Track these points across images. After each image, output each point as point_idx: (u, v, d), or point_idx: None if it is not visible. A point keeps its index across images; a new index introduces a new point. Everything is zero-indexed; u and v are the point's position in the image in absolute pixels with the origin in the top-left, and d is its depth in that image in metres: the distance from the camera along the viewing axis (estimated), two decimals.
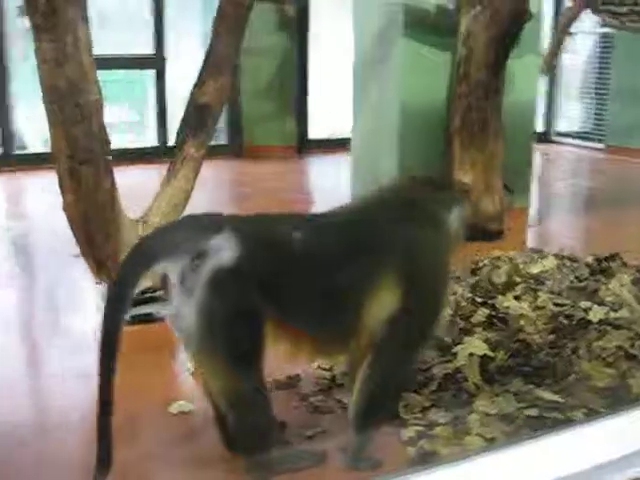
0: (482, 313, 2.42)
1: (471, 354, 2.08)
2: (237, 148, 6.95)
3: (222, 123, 7.00)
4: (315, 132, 7.35)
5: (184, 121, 2.75)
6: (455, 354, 2.11)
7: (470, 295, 2.55)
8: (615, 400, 1.90)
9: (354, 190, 4.34)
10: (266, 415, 1.68)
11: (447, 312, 2.36)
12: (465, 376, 2.03)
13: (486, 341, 2.18)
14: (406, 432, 1.86)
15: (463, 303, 2.47)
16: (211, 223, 1.68)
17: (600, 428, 1.57)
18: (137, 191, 2.85)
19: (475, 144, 3.57)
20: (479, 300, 2.50)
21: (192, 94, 2.73)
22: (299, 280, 1.67)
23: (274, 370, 2.15)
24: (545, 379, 2.00)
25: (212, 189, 5.93)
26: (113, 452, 1.54)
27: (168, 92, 6.79)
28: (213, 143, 6.90)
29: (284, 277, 1.66)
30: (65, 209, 2.47)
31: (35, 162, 5.58)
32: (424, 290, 1.75)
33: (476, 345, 2.11)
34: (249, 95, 6.90)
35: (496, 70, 3.49)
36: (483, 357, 2.07)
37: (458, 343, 2.17)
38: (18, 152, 6.23)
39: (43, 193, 4.62)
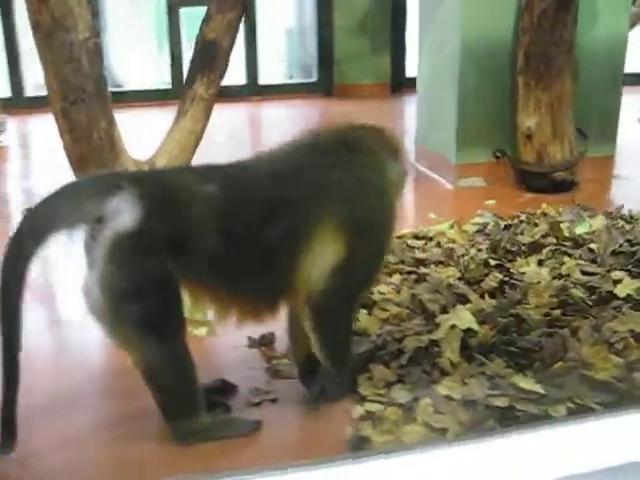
0: (493, 278, 2.13)
1: (453, 326, 1.83)
2: (327, 86, 6.72)
3: (313, 60, 6.83)
4: (413, 70, 6.95)
5: (193, 60, 2.60)
6: (438, 325, 1.87)
7: (485, 256, 2.25)
8: (613, 397, 1.58)
9: (419, 133, 4.02)
10: (188, 382, 1.56)
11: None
12: (442, 351, 1.79)
13: (479, 312, 1.91)
14: (358, 409, 1.66)
15: (472, 265, 2.19)
16: (108, 184, 1.49)
17: (582, 431, 1.29)
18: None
19: (540, 84, 3.14)
20: (493, 263, 2.20)
21: (200, 31, 2.56)
22: (216, 238, 1.50)
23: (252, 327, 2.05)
24: (533, 364, 1.70)
25: (292, 129, 5.82)
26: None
27: None
28: (301, 81, 6.98)
29: (198, 236, 1.49)
30: (64, 150, 2.43)
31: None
32: (361, 237, 1.60)
33: (461, 316, 1.85)
34: (341, 31, 6.62)
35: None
36: (467, 331, 1.82)
37: (446, 312, 1.92)
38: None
39: None
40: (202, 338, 2.12)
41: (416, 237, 2.59)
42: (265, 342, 2.02)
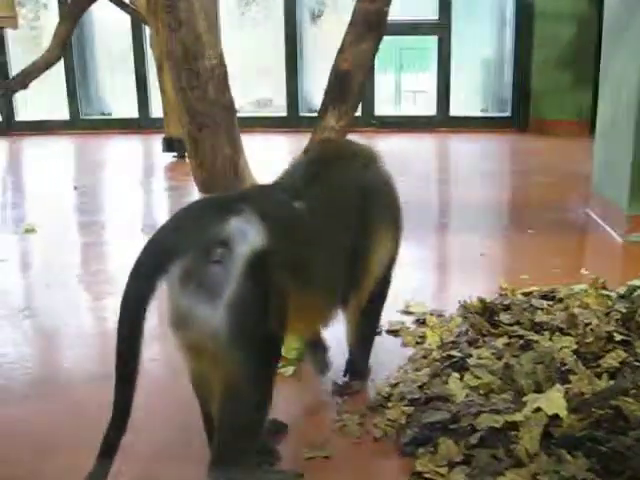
0: (615, 357, 1.79)
1: (538, 409, 1.55)
2: (522, 121, 6.37)
3: (509, 93, 6.49)
4: None
5: (326, 90, 2.55)
6: (525, 404, 1.60)
7: (612, 329, 1.90)
8: None
9: (595, 178, 3.61)
10: (262, 415, 1.50)
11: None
12: (520, 436, 1.52)
13: (578, 397, 1.60)
14: None
15: (590, 338, 1.85)
16: (224, 206, 1.49)
17: None
18: None
19: None
20: (618, 338, 1.85)
21: (335, 61, 2.51)
22: (316, 249, 1.62)
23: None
24: (624, 472, 1.37)
25: (478, 162, 5.57)
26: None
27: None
28: (496, 114, 6.67)
29: (302, 249, 1.58)
30: (192, 173, 2.51)
31: None
32: (399, 225, 1.93)
33: (552, 398, 1.56)
34: (541, 63, 6.24)
35: None
36: (554, 417, 1.53)
37: (541, 391, 1.64)
38: None
39: None
40: (286, 377, 2.05)
41: (544, 296, 2.28)
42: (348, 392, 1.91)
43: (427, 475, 1.51)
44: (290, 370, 2.09)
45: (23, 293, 2.93)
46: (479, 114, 6.86)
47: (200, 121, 2.37)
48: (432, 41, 6.72)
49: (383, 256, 1.84)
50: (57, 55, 3.07)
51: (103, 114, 7.68)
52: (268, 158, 3.87)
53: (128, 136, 7.41)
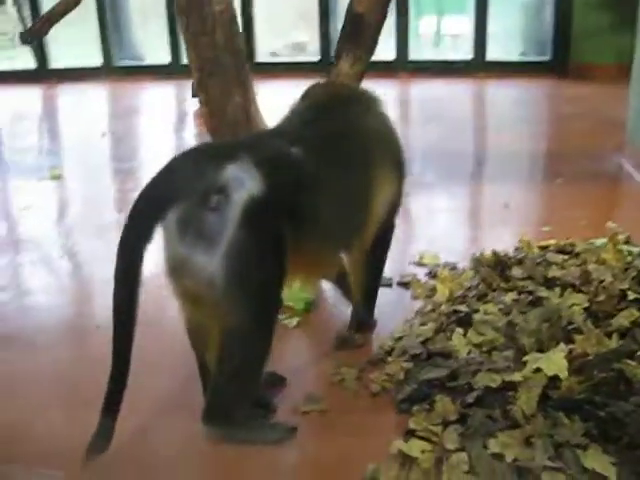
0: (628, 315, 1.72)
1: (538, 369, 1.50)
2: (561, 66, 6.08)
3: (547, 37, 6.20)
4: None
5: (341, 34, 2.45)
6: (525, 364, 1.55)
7: (626, 287, 1.82)
8: None
9: (630, 127, 3.44)
10: (262, 359, 1.51)
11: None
12: (517, 397, 1.48)
13: (581, 357, 1.54)
14: (396, 444, 1.44)
15: (602, 296, 1.78)
16: (222, 152, 1.49)
17: None
18: None
19: None
20: (632, 296, 1.77)
21: (349, 3, 2.40)
22: (314, 194, 1.57)
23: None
24: (621, 438, 1.32)
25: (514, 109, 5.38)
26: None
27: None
28: (534, 59, 6.39)
29: (300, 195, 1.54)
30: (204, 122, 2.47)
31: None
32: (401, 169, 1.89)
33: (553, 359, 1.50)
34: (582, 5, 5.91)
35: None
36: (554, 378, 1.48)
37: (542, 350, 1.59)
38: None
39: None
40: (289, 328, 2.04)
41: (561, 251, 2.20)
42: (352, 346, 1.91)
43: (421, 433, 1.49)
44: (294, 321, 2.07)
45: (56, 239, 2.95)
46: (517, 58, 6.58)
47: (209, 68, 2.31)
48: None
49: (385, 200, 1.81)
50: (75, 1, 3.01)
51: (136, 60, 7.63)
52: None
53: (161, 82, 7.36)
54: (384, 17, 2.41)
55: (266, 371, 1.67)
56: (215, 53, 2.28)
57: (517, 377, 1.49)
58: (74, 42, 7.61)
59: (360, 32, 2.38)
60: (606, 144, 3.97)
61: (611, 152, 3.72)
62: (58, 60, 7.64)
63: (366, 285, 1.95)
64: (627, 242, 2.27)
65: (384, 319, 2.05)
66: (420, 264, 2.42)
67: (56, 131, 5.76)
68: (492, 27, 6.37)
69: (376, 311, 2.06)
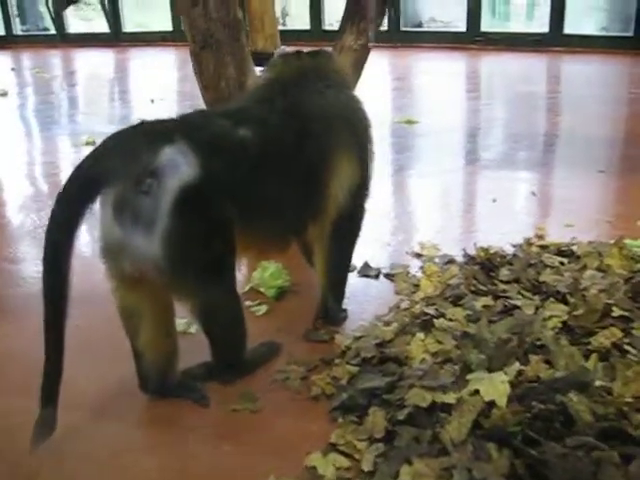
0: (609, 335, 1.52)
1: (476, 392, 1.34)
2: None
3: (631, 11, 5.70)
4: None
5: (345, 7, 2.29)
6: (467, 383, 1.39)
7: (612, 301, 1.61)
8: None
9: None
10: (239, 320, 1.59)
11: None
12: (448, 421, 1.32)
13: (530, 381, 1.37)
14: (312, 459, 1.34)
15: (580, 310, 1.57)
16: (156, 134, 1.42)
17: None
18: None
19: None
20: (617, 313, 1.56)
21: None
22: (260, 178, 1.51)
23: None
24: None
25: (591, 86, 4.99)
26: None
27: None
28: (616, 34, 5.90)
29: (245, 178, 1.48)
30: (201, 95, 2.38)
31: None
32: (368, 151, 1.76)
33: (494, 383, 1.34)
34: None
35: None
36: (490, 404, 1.32)
37: (493, 369, 1.42)
38: None
39: None
40: (256, 316, 1.95)
41: (561, 252, 1.98)
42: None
43: (342, 448, 1.37)
44: (263, 309, 1.98)
45: None
46: (596, 33, 6.11)
47: (202, 39, 2.22)
48: None
49: (344, 183, 1.69)
50: None
51: None
52: None
53: None
54: None
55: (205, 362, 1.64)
56: (207, 25, 2.19)
57: (450, 398, 1.34)
58: (145, 8, 7.70)
59: (363, 6, 2.22)
60: None
61: None
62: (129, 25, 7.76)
63: (330, 274, 1.84)
64: None
65: (358, 313, 1.92)
66: (418, 255, 2.27)
67: (126, 94, 5.86)
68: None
69: (352, 303, 1.95)
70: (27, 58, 7.70)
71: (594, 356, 1.49)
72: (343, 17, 2.31)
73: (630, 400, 1.26)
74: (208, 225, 1.42)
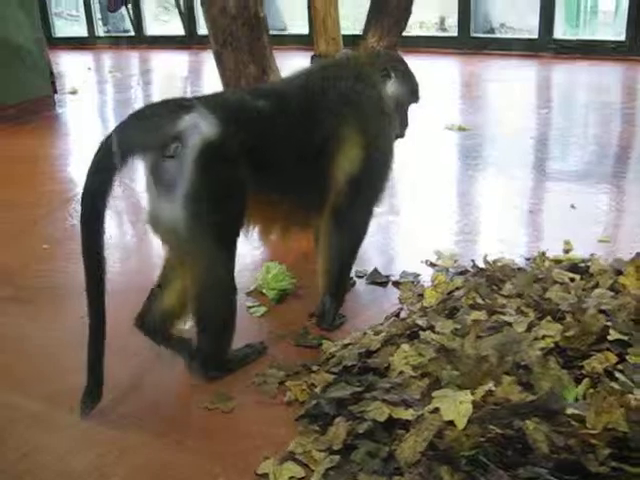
0: (603, 360, 1.40)
1: (436, 409, 1.26)
2: None
3: None
4: None
5: (369, 6, 2.23)
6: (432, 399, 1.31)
7: (609, 323, 1.48)
8: None
9: None
10: (233, 314, 1.62)
11: None
12: (405, 439, 1.25)
13: (498, 403, 1.27)
14: (264, 465, 1.30)
15: (571, 332, 1.46)
16: (179, 105, 1.55)
17: None
18: None
19: None
20: (613, 336, 1.44)
21: None
22: (274, 142, 1.61)
23: None
24: None
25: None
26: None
27: None
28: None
29: (259, 142, 1.58)
30: None
31: None
32: (379, 144, 1.77)
33: (457, 402, 1.26)
34: None
35: None
36: (451, 423, 1.23)
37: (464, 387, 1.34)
38: None
39: None
40: (254, 317, 1.92)
41: (575, 268, 1.86)
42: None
43: (300, 457, 1.33)
44: (261, 310, 1.96)
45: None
46: None
47: (222, 37, 2.22)
48: None
49: (344, 164, 1.70)
50: None
51: (278, 30, 7.70)
52: None
53: (302, 52, 7.39)
54: None
55: None
56: (227, 22, 2.18)
57: (407, 414, 1.27)
58: None
59: (386, 4, 2.16)
60: None
61: None
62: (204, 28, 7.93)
63: (329, 275, 1.83)
64: None
65: (356, 319, 1.87)
66: (432, 264, 2.18)
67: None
68: None
69: (352, 309, 1.90)
70: (107, 58, 8.00)
71: (586, 381, 1.38)
72: (367, 19, 2.26)
73: (598, 432, 1.16)
74: (225, 182, 1.50)
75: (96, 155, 1.44)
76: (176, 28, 8.17)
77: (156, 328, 1.68)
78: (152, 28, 8.44)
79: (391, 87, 1.81)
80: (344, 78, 1.76)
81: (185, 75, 6.83)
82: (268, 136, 1.60)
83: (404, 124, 1.89)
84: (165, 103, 1.56)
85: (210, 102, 1.55)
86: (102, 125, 4.85)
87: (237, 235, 1.59)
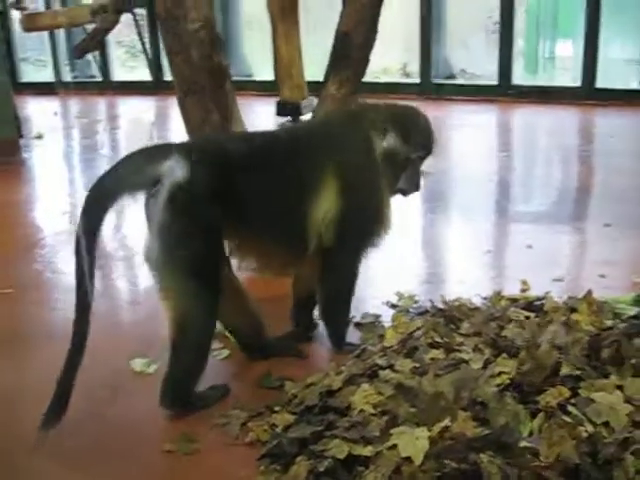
0: (557, 394, 1.44)
1: (394, 446, 1.29)
2: None
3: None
4: None
5: (330, 55, 2.31)
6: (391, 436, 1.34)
7: (562, 358, 1.53)
8: None
9: None
10: (208, 339, 1.72)
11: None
12: (363, 476, 1.28)
13: (454, 438, 1.31)
14: None
15: (526, 366, 1.51)
16: (161, 152, 1.68)
17: None
18: None
19: None
20: (566, 371, 1.49)
21: (338, 22, 2.26)
22: (251, 190, 1.71)
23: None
24: None
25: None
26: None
27: None
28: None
29: (236, 189, 1.69)
30: None
31: None
32: (359, 194, 1.83)
33: (414, 438, 1.29)
34: None
35: None
36: (408, 459, 1.26)
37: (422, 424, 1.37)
38: None
39: None
40: (216, 359, 1.94)
41: (529, 306, 1.92)
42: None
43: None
44: (224, 353, 1.98)
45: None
46: (635, 87, 6.01)
47: (186, 86, 2.27)
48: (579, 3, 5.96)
49: (323, 211, 1.78)
50: (113, 21, 3.14)
51: (242, 76, 7.83)
52: None
53: (268, 98, 7.52)
54: (373, 36, 2.25)
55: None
56: (191, 71, 2.24)
57: (366, 451, 1.30)
58: None
59: (347, 52, 2.25)
60: None
61: None
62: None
63: (325, 317, 1.98)
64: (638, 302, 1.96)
65: (318, 360, 1.91)
66: (393, 305, 2.23)
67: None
68: (605, 53, 5.88)
69: (315, 350, 1.93)
70: (74, 103, 8.04)
71: (541, 415, 1.43)
72: (328, 66, 2.34)
73: (551, 463, 1.20)
74: (195, 222, 1.62)
75: (88, 196, 1.61)
76: (143, 74, 8.26)
77: (261, 346, 1.93)
78: (119, 74, 8.52)
79: (388, 141, 1.84)
80: (338, 128, 1.88)
81: (152, 120, 6.90)
82: (245, 181, 1.70)
83: (411, 179, 1.91)
84: (148, 150, 1.73)
85: (187, 147, 1.71)
86: (68, 170, 4.87)
87: (216, 270, 1.69)
